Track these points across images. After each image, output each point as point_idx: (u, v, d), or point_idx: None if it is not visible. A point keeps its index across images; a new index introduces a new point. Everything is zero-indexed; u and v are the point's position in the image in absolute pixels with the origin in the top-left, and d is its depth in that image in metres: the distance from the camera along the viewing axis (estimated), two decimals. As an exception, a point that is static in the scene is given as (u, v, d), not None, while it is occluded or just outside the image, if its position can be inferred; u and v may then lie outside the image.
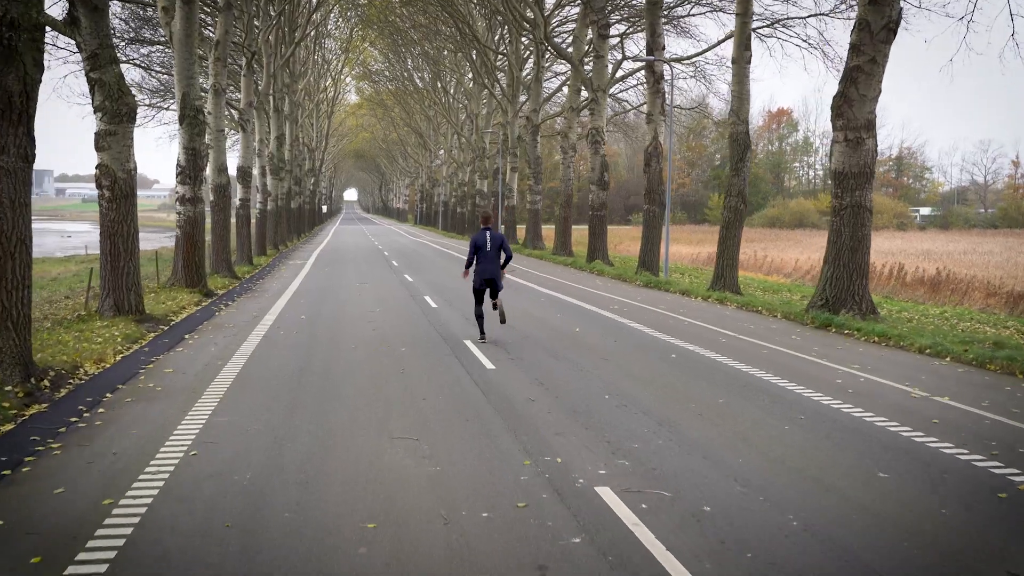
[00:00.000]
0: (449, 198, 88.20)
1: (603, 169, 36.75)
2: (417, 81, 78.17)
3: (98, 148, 16.85)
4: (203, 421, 9.06)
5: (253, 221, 43.85)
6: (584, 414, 9.33)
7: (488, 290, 15.04)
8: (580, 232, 62.92)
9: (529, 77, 55.19)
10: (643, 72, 48.26)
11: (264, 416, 9.25)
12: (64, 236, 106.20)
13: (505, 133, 57.85)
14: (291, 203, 62.11)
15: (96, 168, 16.99)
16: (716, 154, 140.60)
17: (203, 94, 39.02)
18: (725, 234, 25.01)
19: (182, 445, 8.16)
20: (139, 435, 8.52)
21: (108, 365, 12.41)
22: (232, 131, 53.84)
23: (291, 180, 61.45)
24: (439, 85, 74.79)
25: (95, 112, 16.87)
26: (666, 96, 30.96)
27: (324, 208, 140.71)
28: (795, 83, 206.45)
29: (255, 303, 21.33)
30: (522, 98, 56.59)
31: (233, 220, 37.88)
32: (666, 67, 30.83)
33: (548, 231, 56.59)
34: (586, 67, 39.64)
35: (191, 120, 22.72)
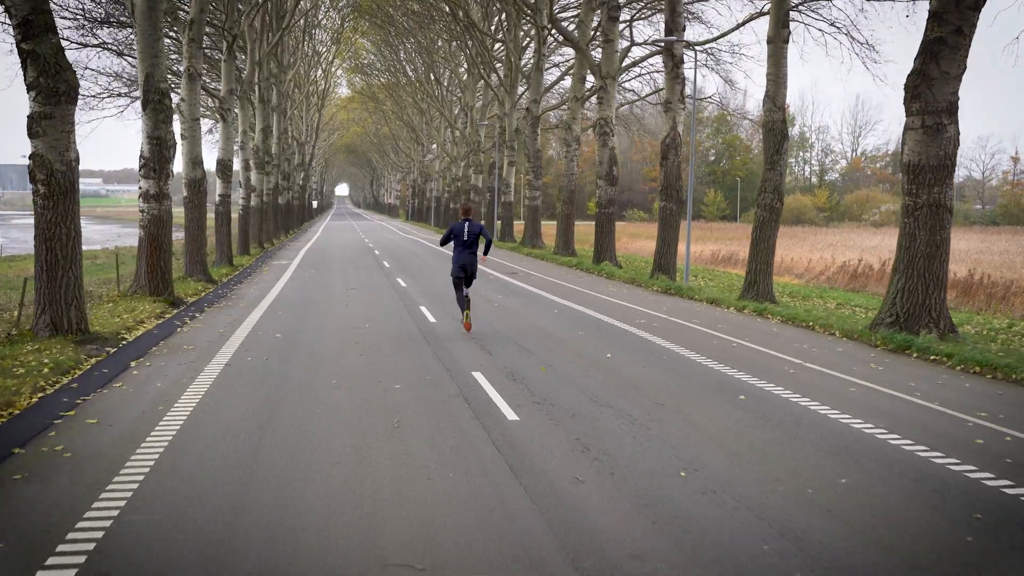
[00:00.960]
0: (442, 193, 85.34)
1: (612, 163, 33.97)
2: (410, 73, 75.29)
3: (31, 134, 13.98)
4: (108, 522, 6.22)
5: (236, 217, 41.00)
6: (659, 508, 6.51)
7: (464, 278, 16.05)
8: (577, 229, 59.90)
9: (529, 66, 52.33)
10: (652, 60, 45.62)
11: (197, 516, 6.38)
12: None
13: (502, 125, 55.04)
14: (278, 199, 59.21)
15: (29, 158, 14.12)
16: (711, 150, 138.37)
17: (172, 78, 36.11)
18: (759, 235, 22.22)
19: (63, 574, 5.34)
20: (3, 554, 5.69)
21: (18, 411, 9.57)
22: (218, 123, 50.91)
23: (278, 175, 58.53)
24: (432, 77, 71.93)
25: (28, 91, 14.01)
26: (686, 82, 28.20)
27: (315, 204, 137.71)
28: (793, 78, 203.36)
29: (226, 315, 18.48)
30: (520, 89, 53.78)
31: (212, 217, 35.04)
32: (686, 52, 28.09)
33: (545, 228, 53.62)
34: (593, 53, 36.87)
35: (156, 105, 19.86)
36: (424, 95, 77.28)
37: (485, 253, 16.60)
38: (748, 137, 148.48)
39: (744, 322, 18.18)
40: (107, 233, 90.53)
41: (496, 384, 11.12)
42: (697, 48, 40.05)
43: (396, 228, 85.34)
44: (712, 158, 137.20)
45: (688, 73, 31.53)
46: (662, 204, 28.20)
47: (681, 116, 28.05)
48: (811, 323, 17.46)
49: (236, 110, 35.92)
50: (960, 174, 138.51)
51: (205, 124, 62.39)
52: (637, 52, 44.56)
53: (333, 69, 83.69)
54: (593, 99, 47.39)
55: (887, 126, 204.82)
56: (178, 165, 24.80)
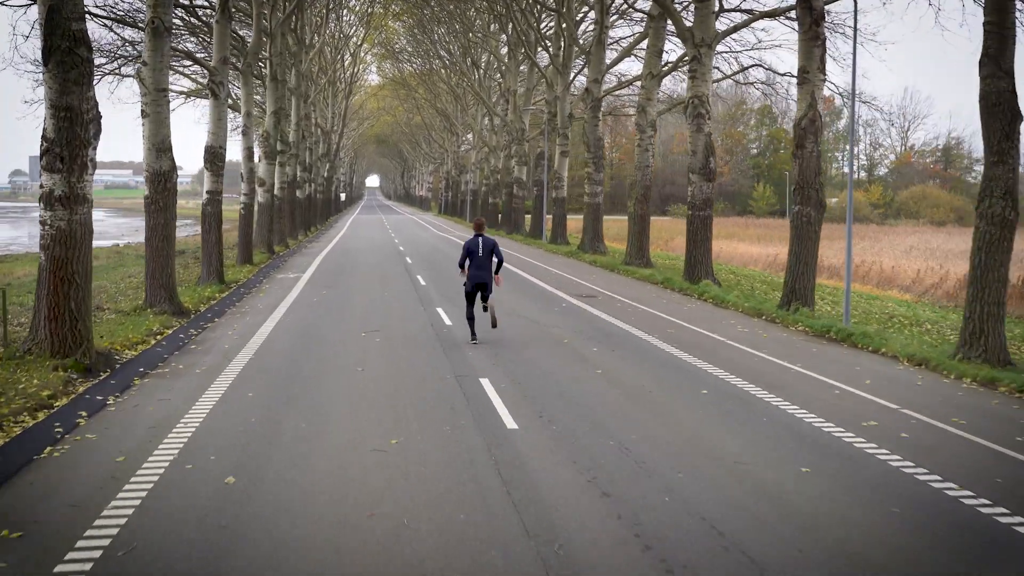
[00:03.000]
0: (479, 186, 77.88)
1: (708, 153, 26.39)
2: (444, 55, 67.73)
3: None
4: None
5: (239, 212, 33.80)
6: None
7: (479, 293, 15.43)
8: (618, 224, 50.00)
9: (587, 39, 44.72)
10: (738, 34, 37.65)
11: None
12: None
13: (551, 111, 47.50)
14: (296, 192, 51.94)
15: None
16: (755, 142, 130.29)
17: (132, 32, 28.80)
18: (984, 262, 14.54)
19: None
20: None
21: None
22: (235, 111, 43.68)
23: (297, 166, 51.29)
24: (469, 60, 64.38)
25: None
26: (827, 46, 20.64)
27: (342, 196, 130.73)
28: (837, 70, 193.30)
29: (164, 398, 11.12)
30: (572, 72, 46.24)
31: (215, 219, 27.76)
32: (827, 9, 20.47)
33: (573, 223, 44.96)
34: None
35: (63, 57, 12.59)
36: (460, 80, 69.92)
37: (496, 272, 15.63)
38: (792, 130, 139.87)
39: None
40: (126, 227, 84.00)
41: None
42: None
43: (428, 224, 77.97)
44: (755, 151, 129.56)
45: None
46: (796, 209, 20.57)
47: (821, 90, 20.46)
48: None
49: (229, 86, 28.60)
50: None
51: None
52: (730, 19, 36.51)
53: (362, 54, 76.48)
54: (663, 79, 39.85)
55: (936, 120, 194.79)
56: (137, 152, 17.61)
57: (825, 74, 20.45)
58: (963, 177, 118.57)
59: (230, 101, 44.23)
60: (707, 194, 26.52)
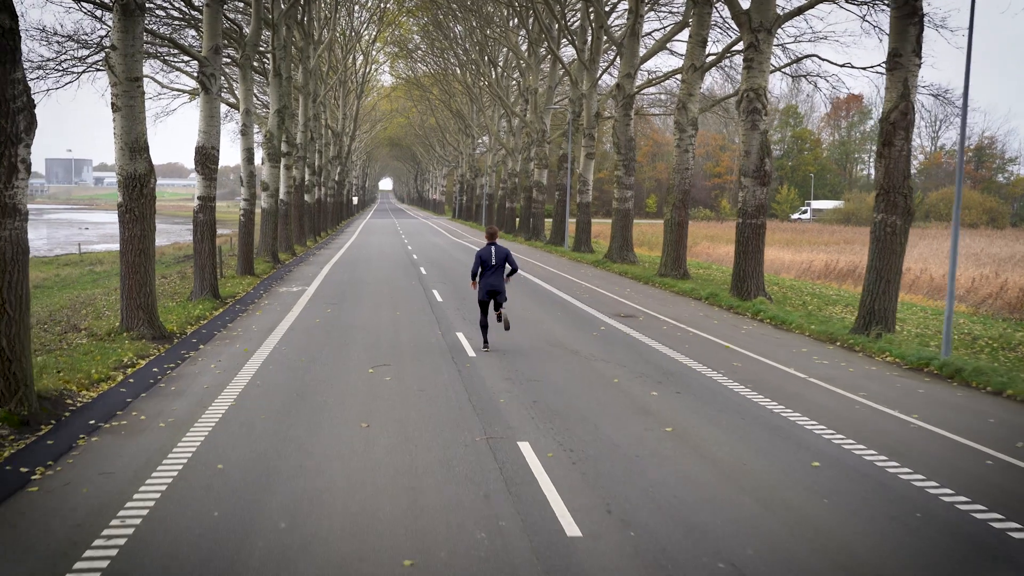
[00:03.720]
0: (495, 190, 75.06)
1: (763, 153, 23.51)
2: (460, 54, 64.95)
3: None
4: None
5: (239, 219, 31.08)
6: None
7: (492, 301, 15.30)
8: (638, 228, 45.45)
9: (618, 32, 41.90)
10: (793, 24, 34.65)
11: None
12: (82, 228, 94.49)
13: (577, 109, 44.68)
14: (304, 196, 49.25)
15: None
16: (778, 144, 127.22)
17: (104, 14, 26.33)
18: None
19: None
20: None
21: None
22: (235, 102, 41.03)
23: (305, 168, 48.62)
24: (486, 58, 61.59)
25: None
26: (924, 26, 17.67)
27: (355, 200, 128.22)
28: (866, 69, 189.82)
29: (105, 474, 8.33)
30: (601, 65, 43.41)
31: (230, 222, 25.05)
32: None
33: (597, 228, 41.73)
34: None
35: (-17, 27, 9.85)
36: (476, 79, 67.11)
37: (507, 277, 15.52)
38: (818, 130, 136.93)
39: None
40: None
41: None
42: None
43: (443, 229, 75.09)
44: (779, 153, 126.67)
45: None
46: (879, 217, 17.65)
47: (916, 77, 17.55)
48: None
49: (222, 79, 25.81)
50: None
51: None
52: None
53: (374, 53, 73.86)
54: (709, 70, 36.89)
55: (970, 118, 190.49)
56: (158, 154, 14.92)
57: (921, 58, 17.53)
58: (994, 178, 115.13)
59: (231, 100, 41.54)
60: (761, 199, 23.63)
